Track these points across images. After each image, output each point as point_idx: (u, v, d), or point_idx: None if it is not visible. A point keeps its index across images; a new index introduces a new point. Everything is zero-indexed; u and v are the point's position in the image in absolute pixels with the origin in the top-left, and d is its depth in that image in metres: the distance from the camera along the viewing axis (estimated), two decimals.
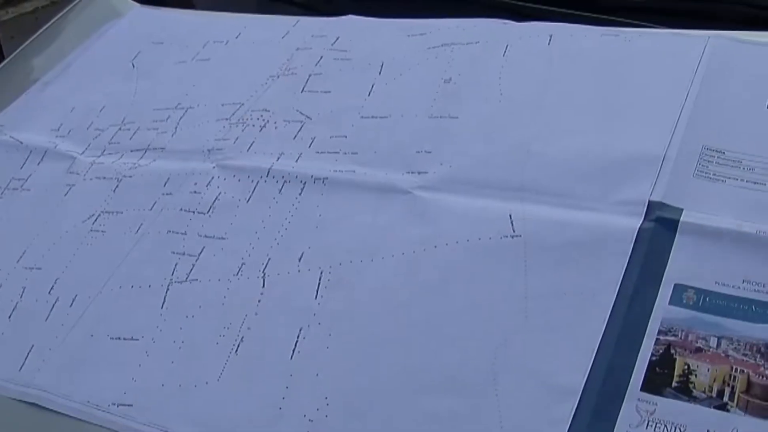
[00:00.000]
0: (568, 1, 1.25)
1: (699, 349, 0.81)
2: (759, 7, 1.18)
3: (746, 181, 0.92)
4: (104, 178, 1.18)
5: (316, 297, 0.94)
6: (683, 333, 0.82)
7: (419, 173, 1.02)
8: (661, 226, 0.90)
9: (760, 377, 0.79)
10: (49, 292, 1.06)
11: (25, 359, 1.00)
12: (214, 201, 1.08)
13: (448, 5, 1.27)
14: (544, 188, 0.96)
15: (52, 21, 1.66)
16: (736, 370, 0.79)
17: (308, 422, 0.86)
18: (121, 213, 1.12)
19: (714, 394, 0.78)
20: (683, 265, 0.87)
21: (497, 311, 0.88)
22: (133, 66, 1.39)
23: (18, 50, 1.62)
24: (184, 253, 1.04)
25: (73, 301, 1.04)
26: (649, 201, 0.92)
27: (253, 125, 1.17)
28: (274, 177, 1.08)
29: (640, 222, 0.90)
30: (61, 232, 1.13)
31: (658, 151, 0.96)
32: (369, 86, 1.17)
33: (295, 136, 1.13)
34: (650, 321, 0.83)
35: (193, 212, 1.08)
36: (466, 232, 0.95)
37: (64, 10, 1.67)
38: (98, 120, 1.30)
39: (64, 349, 1.00)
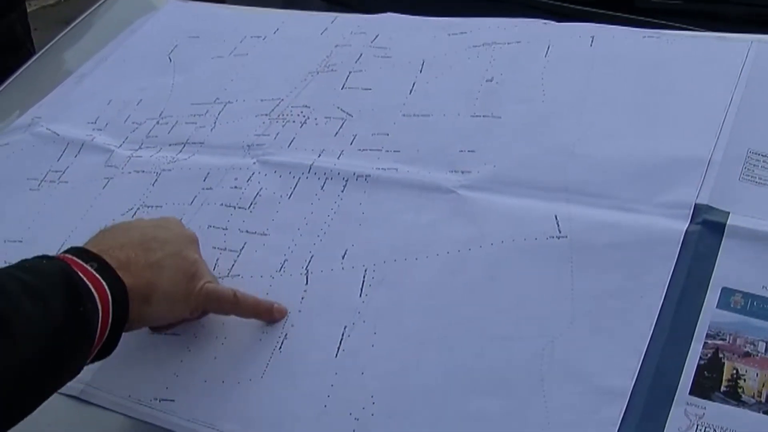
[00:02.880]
0: (607, 2, 1.26)
1: (747, 354, 0.81)
2: None
3: None
4: (143, 171, 1.18)
5: (360, 295, 0.94)
6: (731, 337, 0.82)
7: (463, 172, 1.02)
8: (707, 229, 0.89)
9: None
10: None
11: None
12: (255, 196, 1.08)
13: (484, 4, 1.27)
14: (589, 190, 0.96)
15: (86, 14, 1.66)
16: None
17: (354, 420, 0.86)
18: (161, 207, 1.12)
19: (763, 400, 0.78)
20: (730, 268, 0.86)
21: (543, 312, 0.88)
22: (170, 60, 1.39)
23: (51, 43, 1.63)
24: (225, 249, 1.04)
25: None
26: (695, 204, 0.91)
27: (294, 121, 1.17)
28: (315, 173, 1.08)
29: (687, 225, 0.90)
30: (100, 225, 1.11)
31: (703, 154, 0.95)
32: (410, 84, 1.17)
33: (337, 133, 1.13)
34: (698, 324, 0.83)
35: (234, 207, 1.08)
36: (511, 232, 0.94)
37: (96, 5, 1.67)
38: (135, 113, 1.30)
39: None
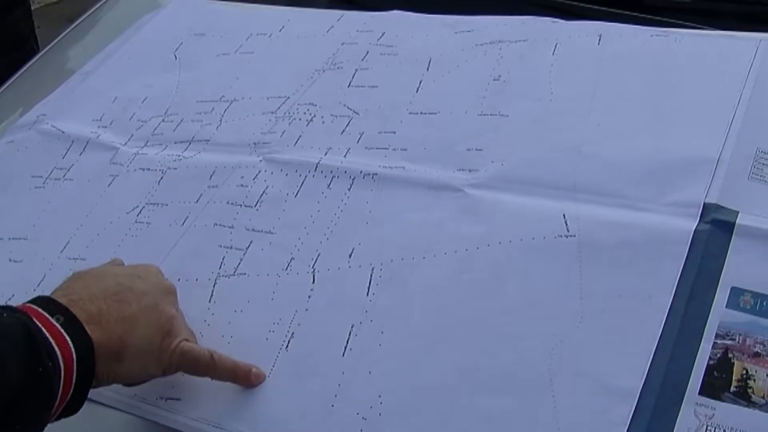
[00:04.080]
0: (615, 0, 1.25)
1: (757, 354, 0.80)
2: None
3: None
4: (148, 169, 1.18)
5: (367, 294, 0.94)
6: (741, 337, 0.81)
7: (470, 171, 1.02)
8: (716, 229, 0.89)
9: None
10: None
11: None
12: (262, 195, 1.08)
13: (491, 2, 1.27)
14: (597, 188, 0.95)
15: (89, 12, 1.66)
16: None
17: (361, 420, 0.85)
18: (167, 205, 1.11)
19: None
20: (740, 268, 0.86)
21: (552, 311, 0.87)
22: (176, 57, 1.38)
23: (55, 40, 1.62)
24: (231, 247, 1.03)
25: None
26: (704, 203, 0.90)
27: (300, 119, 1.17)
28: (322, 172, 1.07)
29: (696, 224, 0.89)
30: (105, 223, 1.12)
31: (711, 153, 0.95)
32: (417, 82, 1.16)
33: (343, 131, 1.12)
34: (707, 324, 0.83)
35: (240, 206, 1.07)
36: (519, 231, 0.94)
37: (100, 2, 1.67)
38: (140, 111, 1.29)
39: None
